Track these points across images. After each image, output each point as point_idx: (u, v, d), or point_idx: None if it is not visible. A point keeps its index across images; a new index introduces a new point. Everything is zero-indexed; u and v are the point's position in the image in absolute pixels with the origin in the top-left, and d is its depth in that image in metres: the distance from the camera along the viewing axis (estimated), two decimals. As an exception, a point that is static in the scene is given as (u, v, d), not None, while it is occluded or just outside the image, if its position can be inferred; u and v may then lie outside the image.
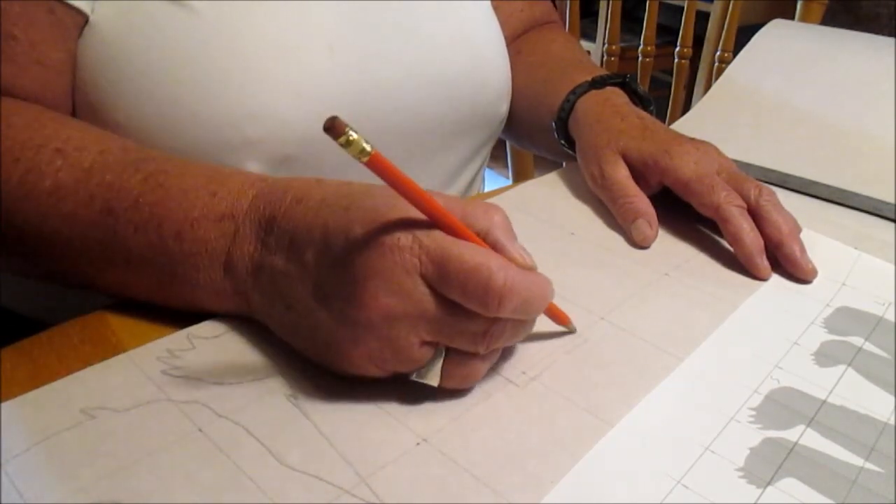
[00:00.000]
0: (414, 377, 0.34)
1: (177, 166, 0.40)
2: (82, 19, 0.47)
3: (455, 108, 0.59)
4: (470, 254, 0.31)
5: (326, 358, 0.35)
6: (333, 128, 0.28)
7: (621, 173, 0.53)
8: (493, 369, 0.37)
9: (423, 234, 0.32)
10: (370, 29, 0.53)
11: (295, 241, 0.35)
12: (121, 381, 0.35)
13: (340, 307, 0.33)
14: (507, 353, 0.38)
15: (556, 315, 0.40)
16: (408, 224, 0.32)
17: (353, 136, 0.28)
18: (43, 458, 0.31)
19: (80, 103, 0.49)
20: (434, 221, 0.32)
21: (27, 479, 0.30)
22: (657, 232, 0.51)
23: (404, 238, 0.32)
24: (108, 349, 0.37)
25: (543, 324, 0.39)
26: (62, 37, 0.46)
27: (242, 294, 0.38)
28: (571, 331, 0.41)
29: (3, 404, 0.33)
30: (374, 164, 0.29)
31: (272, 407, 0.34)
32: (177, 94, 0.47)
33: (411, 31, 0.55)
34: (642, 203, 0.52)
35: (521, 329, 0.35)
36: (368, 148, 0.29)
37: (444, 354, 0.34)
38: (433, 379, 0.34)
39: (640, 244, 0.50)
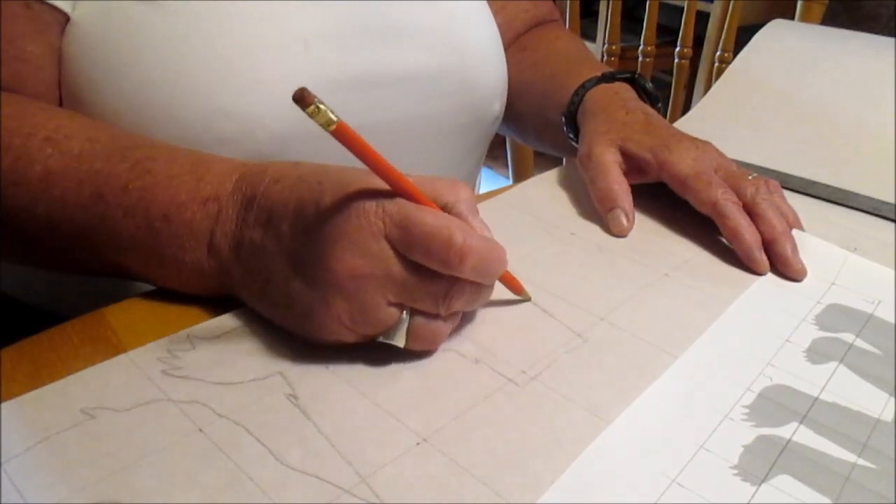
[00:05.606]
0: (382, 339, 0.36)
1: (164, 153, 0.41)
2: (62, 17, 0.47)
3: (441, 107, 0.58)
4: (431, 217, 0.34)
5: (304, 328, 0.37)
6: (302, 98, 0.30)
7: (609, 157, 0.53)
8: (494, 369, 0.37)
9: (386, 201, 0.34)
10: (349, 24, 0.52)
11: (272, 216, 0.37)
12: (121, 381, 0.35)
13: (311, 272, 0.35)
14: (507, 352, 0.38)
15: (511, 284, 0.42)
16: (373, 193, 0.35)
17: (321, 106, 0.30)
18: (43, 458, 0.31)
19: (67, 98, 0.49)
20: (396, 190, 0.35)
21: (27, 479, 0.30)
22: (633, 223, 0.52)
23: (369, 204, 0.34)
24: (108, 349, 0.37)
25: (501, 293, 0.42)
26: (41, 31, 0.47)
27: (226, 271, 0.39)
28: (526, 299, 0.43)
29: (3, 404, 0.33)
30: (340, 133, 0.31)
31: (272, 407, 0.34)
32: (150, 93, 0.47)
33: (394, 27, 0.54)
34: (621, 190, 0.52)
35: (479, 294, 0.37)
36: (334, 118, 0.31)
37: (409, 317, 0.36)
38: (399, 340, 0.36)
39: (616, 235, 0.51)
